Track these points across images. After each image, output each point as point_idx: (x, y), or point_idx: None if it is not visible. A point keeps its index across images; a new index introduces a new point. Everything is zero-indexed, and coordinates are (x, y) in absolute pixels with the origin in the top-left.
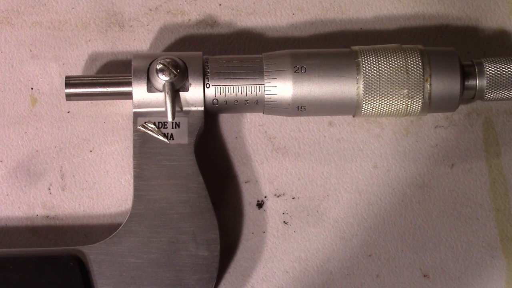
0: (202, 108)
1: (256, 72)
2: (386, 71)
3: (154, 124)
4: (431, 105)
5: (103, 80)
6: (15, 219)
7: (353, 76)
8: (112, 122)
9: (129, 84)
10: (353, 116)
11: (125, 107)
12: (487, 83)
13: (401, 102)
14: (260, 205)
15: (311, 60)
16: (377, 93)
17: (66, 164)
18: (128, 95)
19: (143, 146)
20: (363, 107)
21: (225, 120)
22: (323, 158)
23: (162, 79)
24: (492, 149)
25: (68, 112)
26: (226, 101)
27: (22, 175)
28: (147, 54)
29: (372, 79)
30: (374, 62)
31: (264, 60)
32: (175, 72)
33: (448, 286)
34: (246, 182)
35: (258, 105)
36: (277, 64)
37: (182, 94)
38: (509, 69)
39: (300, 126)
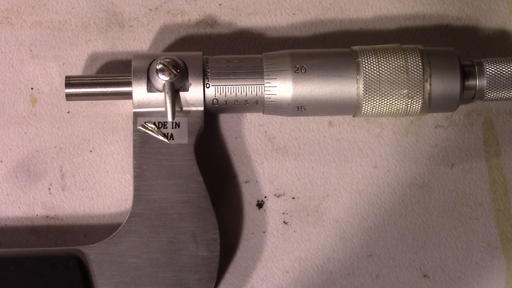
0: (202, 108)
1: (256, 72)
2: (386, 71)
3: (154, 124)
4: (431, 105)
5: (103, 80)
6: (15, 219)
7: (353, 76)
8: (112, 122)
9: (129, 84)
10: (353, 116)
11: (125, 107)
12: (487, 83)
13: (401, 102)
14: (260, 205)
15: (311, 60)
16: (377, 93)
17: (66, 164)
18: (128, 95)
19: (143, 146)
20: (363, 107)
21: (225, 120)
22: (323, 158)
23: (162, 79)
24: (492, 149)
25: (68, 112)
26: (226, 101)
27: (22, 175)
28: (147, 54)
29: (372, 79)
30: (374, 62)
31: (264, 60)
32: (175, 72)
33: (448, 286)
34: (246, 182)
35: (258, 105)
36: (277, 64)
37: (182, 94)
38: (509, 69)
39: (300, 126)
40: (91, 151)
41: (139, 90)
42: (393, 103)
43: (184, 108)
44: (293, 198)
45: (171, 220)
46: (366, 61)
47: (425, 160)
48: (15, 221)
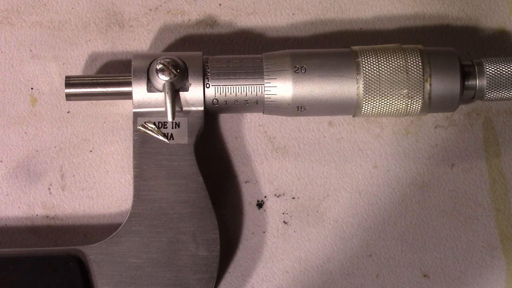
0: (202, 108)
1: (256, 72)
2: (386, 71)
3: (154, 124)
4: (431, 105)
5: (103, 80)
6: (15, 219)
7: (353, 76)
8: (112, 122)
9: (129, 84)
10: (353, 116)
11: (125, 107)
12: (487, 83)
13: (401, 102)
14: (260, 205)
15: (311, 60)
16: (377, 93)
17: (66, 164)
18: (128, 95)
19: (143, 146)
20: (363, 107)
21: (225, 120)
22: (323, 158)
23: (162, 79)
24: (492, 149)
25: (68, 112)
26: (226, 101)
27: (22, 175)
28: (147, 54)
29: (372, 79)
30: (374, 62)
31: (264, 60)
32: (175, 72)
33: (448, 286)
34: (246, 182)
35: (258, 105)
36: (277, 64)
37: (182, 94)
38: (509, 69)
39: (300, 126)
40: (91, 151)
41: (139, 90)
42: (393, 103)
43: (184, 108)
44: (293, 198)
45: (171, 220)
46: (366, 61)
47: (425, 160)
48: (15, 221)
